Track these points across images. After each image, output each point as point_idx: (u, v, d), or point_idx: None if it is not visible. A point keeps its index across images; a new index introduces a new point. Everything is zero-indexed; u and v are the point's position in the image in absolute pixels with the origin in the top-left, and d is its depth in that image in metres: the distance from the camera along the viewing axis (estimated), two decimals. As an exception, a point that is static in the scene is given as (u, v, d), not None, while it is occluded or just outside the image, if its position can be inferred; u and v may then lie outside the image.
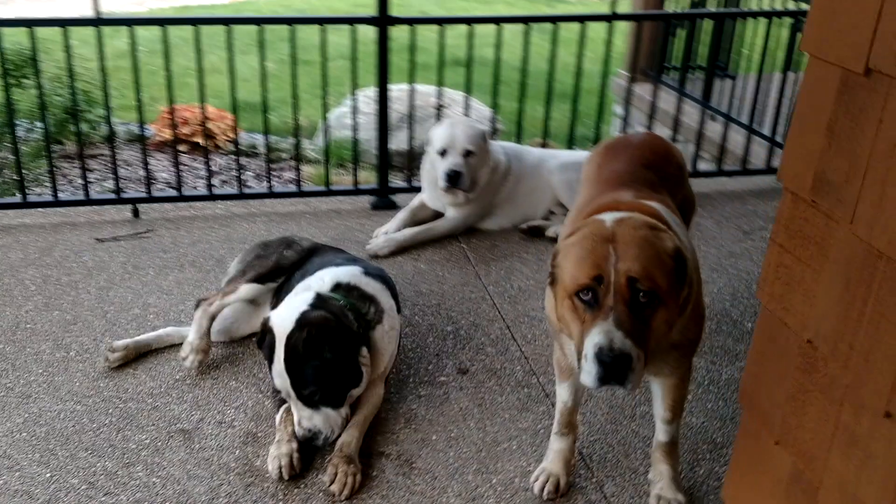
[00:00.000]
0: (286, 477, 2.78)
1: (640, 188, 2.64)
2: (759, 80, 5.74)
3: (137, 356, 3.43)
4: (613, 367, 2.02)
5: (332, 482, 2.73)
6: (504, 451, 2.95)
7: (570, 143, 5.58)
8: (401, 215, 4.66)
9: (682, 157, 3.15)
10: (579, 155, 4.81)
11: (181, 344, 3.46)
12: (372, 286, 3.24)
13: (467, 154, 4.44)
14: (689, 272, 2.19)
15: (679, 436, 2.71)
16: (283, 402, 3.01)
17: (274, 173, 7.90)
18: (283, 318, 2.91)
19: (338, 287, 3.17)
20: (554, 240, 4.55)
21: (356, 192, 5.13)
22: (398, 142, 8.35)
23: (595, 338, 2.04)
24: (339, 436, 2.87)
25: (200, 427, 3.05)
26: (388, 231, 4.52)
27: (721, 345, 3.65)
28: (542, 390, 3.29)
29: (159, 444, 2.97)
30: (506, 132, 8.83)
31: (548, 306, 2.49)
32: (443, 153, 4.46)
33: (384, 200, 5.04)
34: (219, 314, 3.45)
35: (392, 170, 8.00)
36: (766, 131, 5.85)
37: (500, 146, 4.72)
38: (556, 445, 2.76)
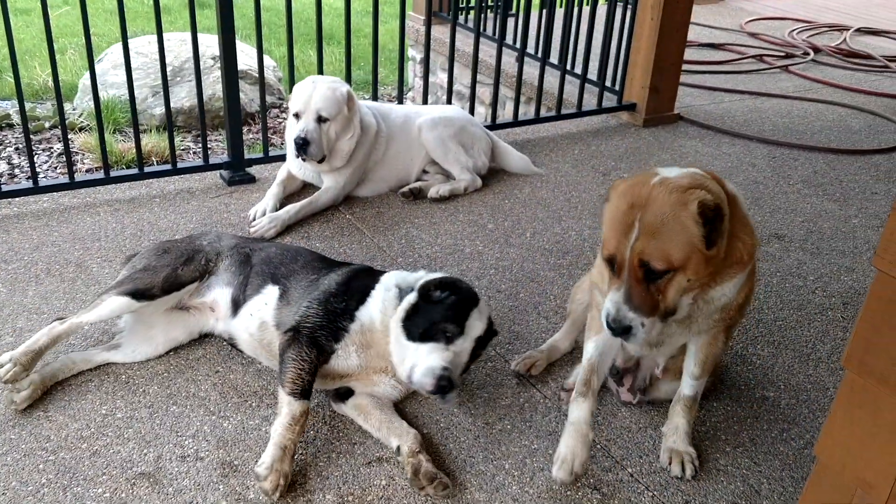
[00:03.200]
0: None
1: None
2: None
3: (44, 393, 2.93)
4: (619, 333, 2.30)
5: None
6: (501, 433, 2.89)
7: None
8: (274, 190, 4.29)
9: None
10: (445, 109, 4.73)
11: (90, 370, 3.04)
12: None
13: (321, 120, 4.14)
14: (723, 226, 2.24)
15: (701, 394, 2.81)
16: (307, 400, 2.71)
17: (41, 146, 6.98)
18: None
19: None
20: (438, 200, 4.44)
21: (206, 167, 4.59)
22: (178, 98, 7.70)
23: (606, 304, 2.29)
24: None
25: (162, 466, 2.66)
26: (267, 209, 4.15)
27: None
28: (503, 361, 3.25)
29: (123, 495, 2.55)
30: (284, 79, 8.43)
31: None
32: (297, 116, 4.14)
33: (240, 175, 4.59)
34: (74, 333, 3.04)
35: (178, 131, 7.39)
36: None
37: (366, 106, 4.44)
38: (573, 415, 2.63)
